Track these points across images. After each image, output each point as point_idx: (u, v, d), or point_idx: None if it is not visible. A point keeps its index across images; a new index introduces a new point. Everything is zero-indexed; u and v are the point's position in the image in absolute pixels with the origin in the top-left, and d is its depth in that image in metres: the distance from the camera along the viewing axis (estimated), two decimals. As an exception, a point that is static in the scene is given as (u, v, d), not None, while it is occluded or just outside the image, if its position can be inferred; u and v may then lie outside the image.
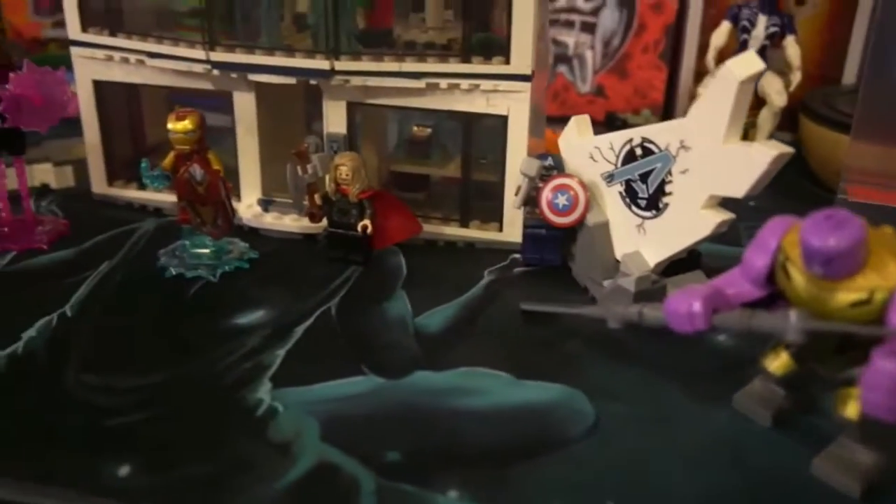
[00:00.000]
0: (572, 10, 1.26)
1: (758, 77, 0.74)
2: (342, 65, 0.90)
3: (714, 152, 0.74)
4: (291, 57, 0.91)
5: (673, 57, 1.33)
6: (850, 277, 0.56)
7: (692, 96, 1.27)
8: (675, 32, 1.32)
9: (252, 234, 0.95)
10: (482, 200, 0.97)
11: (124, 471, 0.61)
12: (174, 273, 0.88)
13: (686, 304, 0.62)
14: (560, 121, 0.93)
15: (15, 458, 0.62)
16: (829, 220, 0.54)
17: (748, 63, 0.72)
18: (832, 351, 0.61)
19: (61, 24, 1.00)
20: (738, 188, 0.72)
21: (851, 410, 0.59)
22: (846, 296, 0.56)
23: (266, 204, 0.97)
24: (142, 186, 1.03)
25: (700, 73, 1.28)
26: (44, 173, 1.05)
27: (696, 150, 0.75)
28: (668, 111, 1.32)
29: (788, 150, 0.71)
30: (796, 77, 1.14)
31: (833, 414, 0.61)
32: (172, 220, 1.00)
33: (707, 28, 1.28)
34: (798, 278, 0.58)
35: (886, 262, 0.56)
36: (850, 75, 1.28)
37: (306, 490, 0.59)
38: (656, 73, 1.32)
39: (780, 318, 0.58)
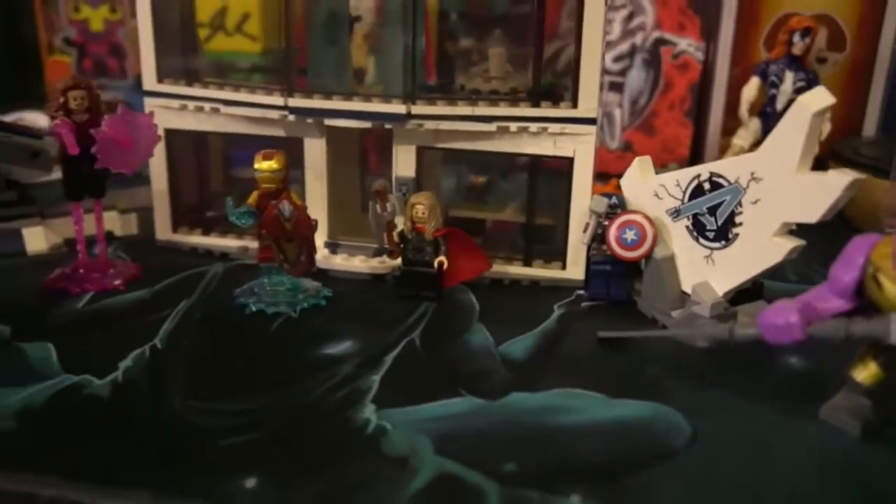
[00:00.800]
0: (602, 70, 1.32)
1: (827, 110, 0.78)
2: (418, 109, 0.95)
3: (788, 181, 0.78)
4: (368, 102, 0.95)
5: (698, 113, 1.38)
6: None
7: (722, 149, 1.34)
8: (700, 90, 1.37)
9: (321, 275, 0.98)
10: (539, 242, 1.01)
11: (251, 483, 0.62)
12: (255, 309, 0.90)
13: (783, 316, 0.67)
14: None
15: (143, 474, 0.64)
16: None
17: (820, 97, 0.77)
18: None
19: (102, 87, 1.04)
20: (813, 214, 0.76)
21: None
22: None
23: (333, 247, 1.01)
24: (206, 232, 1.07)
25: (727, 129, 1.34)
26: (109, 220, 1.08)
27: (768, 180, 0.80)
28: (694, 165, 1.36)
29: (861, 176, 0.75)
30: (826, 127, 1.21)
31: None
32: (239, 263, 1.04)
33: (732, 86, 1.34)
34: (890, 287, 0.62)
35: None
36: (869, 128, 1.35)
37: (432, 499, 0.62)
38: (682, 129, 1.37)
39: (882, 321, 0.62)
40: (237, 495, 0.62)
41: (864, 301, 0.66)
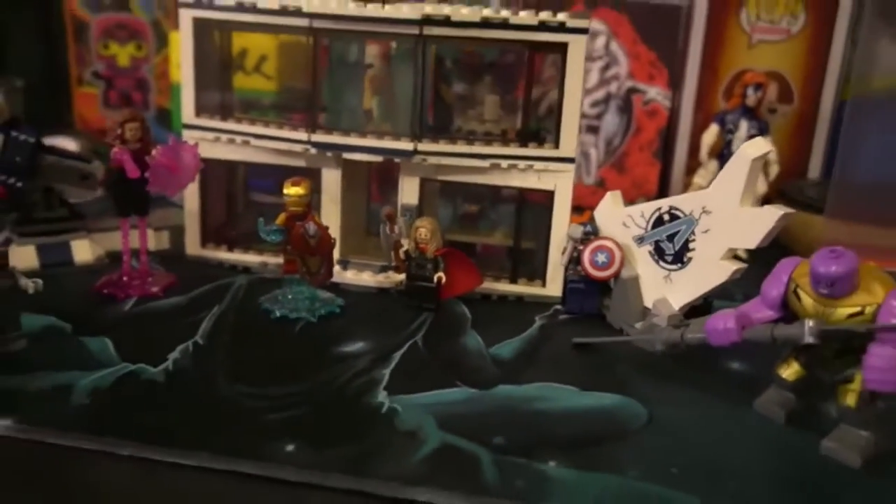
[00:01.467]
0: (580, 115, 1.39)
1: (764, 157, 0.89)
2: (423, 146, 1.03)
3: (732, 214, 0.89)
4: (380, 139, 1.04)
5: (665, 154, 1.44)
6: (847, 296, 0.72)
7: (685, 186, 1.39)
8: (667, 134, 1.43)
9: (334, 288, 1.05)
10: (523, 263, 1.10)
11: (290, 448, 0.72)
12: (279, 315, 0.98)
13: (723, 322, 0.79)
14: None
15: (202, 439, 0.73)
16: (832, 253, 0.72)
17: (758, 146, 0.88)
18: (832, 357, 0.76)
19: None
20: (752, 241, 0.87)
21: (850, 400, 0.74)
22: (844, 310, 0.72)
23: (344, 264, 1.09)
24: (231, 248, 1.15)
25: (690, 168, 1.41)
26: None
27: (716, 213, 0.90)
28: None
29: (791, 210, 0.87)
30: (774, 170, 1.29)
31: (836, 404, 0.76)
32: (263, 277, 1.11)
33: (695, 131, 1.40)
34: (807, 299, 0.74)
35: (873, 285, 0.72)
36: (813, 171, 1.43)
37: (439, 461, 0.71)
38: (650, 168, 1.43)
39: (798, 326, 0.74)
40: (279, 457, 0.71)
41: (788, 312, 0.77)
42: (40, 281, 0.86)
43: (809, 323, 0.74)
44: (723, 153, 1.30)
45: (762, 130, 1.30)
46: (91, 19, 1.64)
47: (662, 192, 1.45)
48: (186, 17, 1.10)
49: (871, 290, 0.72)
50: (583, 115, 1.39)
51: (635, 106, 1.45)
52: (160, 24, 1.64)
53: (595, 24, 1.42)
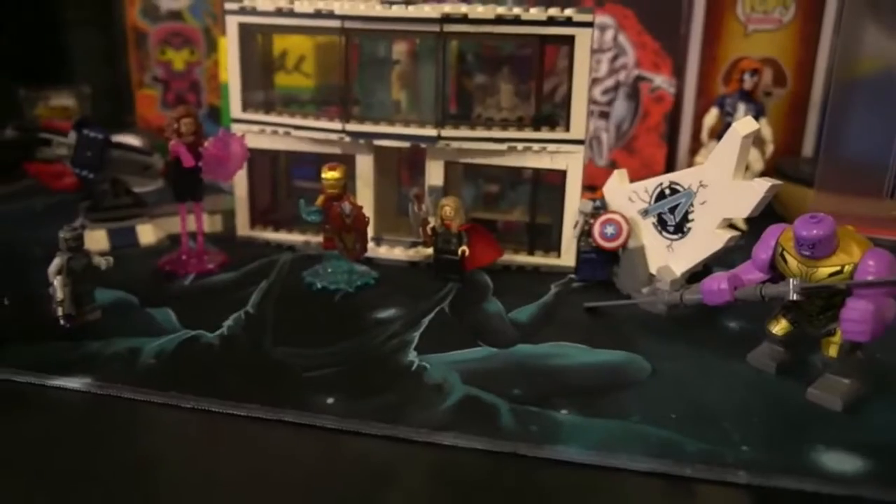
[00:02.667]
0: (592, 101, 1.36)
1: (754, 135, 0.90)
2: (446, 132, 1.05)
3: (726, 186, 0.90)
4: (407, 127, 1.07)
5: (671, 136, 1.44)
6: (827, 257, 0.74)
7: (689, 165, 1.37)
8: (672, 118, 1.43)
9: (368, 262, 1.07)
10: (539, 236, 1.11)
11: (330, 400, 0.75)
12: (320, 286, 1.01)
13: (717, 283, 0.81)
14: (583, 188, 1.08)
15: (249, 393, 0.76)
16: (813, 218, 0.73)
17: (748, 125, 0.89)
18: (817, 313, 0.78)
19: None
20: (745, 210, 0.89)
21: (832, 351, 0.76)
22: (825, 269, 0.74)
23: (378, 240, 1.11)
24: (276, 229, 1.17)
25: (693, 149, 1.41)
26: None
27: (712, 186, 0.91)
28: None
29: (779, 182, 0.88)
30: (769, 149, 1.30)
31: (820, 356, 0.77)
32: (305, 254, 1.14)
33: (698, 114, 1.41)
34: (792, 261, 0.76)
35: (851, 246, 0.73)
36: (807, 149, 1.43)
37: (463, 409, 0.74)
38: (657, 150, 1.44)
39: (784, 284, 0.75)
40: (321, 407, 0.74)
41: (776, 273, 0.79)
42: (111, 258, 0.89)
43: (794, 281, 0.75)
44: (722, 134, 1.29)
45: (759, 113, 1.30)
46: (150, 29, 1.67)
47: (669, 171, 1.41)
48: (232, 22, 1.13)
49: (849, 250, 0.74)
50: (594, 102, 1.44)
51: (643, 93, 1.45)
52: (210, 31, 1.67)
53: (604, 19, 1.43)
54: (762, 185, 0.88)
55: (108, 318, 0.91)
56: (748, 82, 1.31)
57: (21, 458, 0.69)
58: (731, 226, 0.94)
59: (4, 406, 0.77)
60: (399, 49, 1.23)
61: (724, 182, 0.91)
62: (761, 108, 1.32)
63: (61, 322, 0.86)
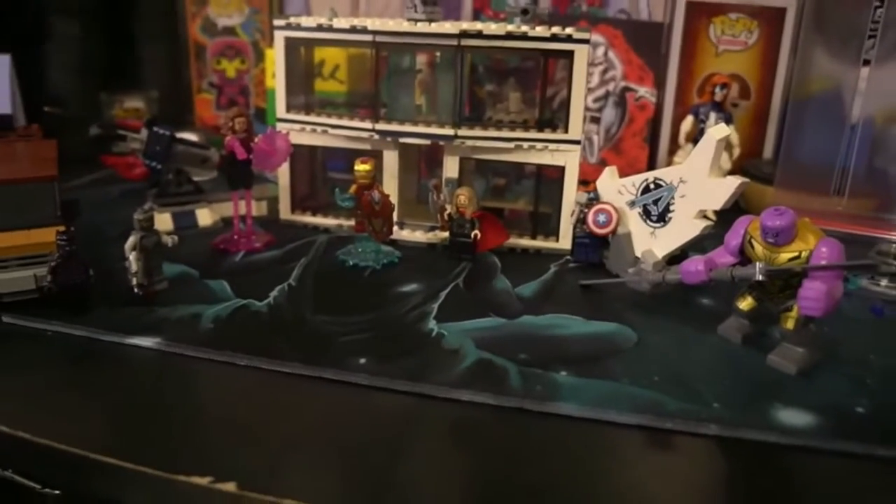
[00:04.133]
0: (585, 108, 1.39)
1: (725, 139, 0.89)
2: (461, 132, 1.05)
3: (703, 182, 0.90)
4: (428, 127, 1.06)
5: (652, 140, 1.43)
6: (788, 244, 0.74)
7: (668, 164, 1.38)
8: (653, 124, 1.43)
9: (392, 243, 1.07)
10: (541, 223, 1.10)
11: (363, 360, 0.75)
12: (351, 263, 1.00)
13: (694, 265, 0.80)
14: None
15: (293, 354, 0.76)
16: (777, 211, 0.73)
17: (721, 130, 0.89)
18: (777, 292, 0.78)
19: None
20: (718, 203, 0.88)
21: (789, 324, 0.76)
22: (786, 255, 0.74)
23: (401, 225, 1.10)
24: (314, 214, 1.16)
25: (671, 150, 1.41)
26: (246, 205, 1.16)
27: (690, 182, 0.91)
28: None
29: (747, 180, 0.88)
30: (736, 152, 1.31)
31: (779, 328, 0.77)
32: (338, 235, 1.13)
33: (675, 121, 1.40)
34: (758, 247, 0.76)
35: (807, 235, 0.74)
36: (767, 151, 1.42)
37: (476, 371, 0.74)
38: (641, 151, 1.43)
39: (751, 267, 0.75)
40: (355, 366, 0.74)
41: (744, 258, 0.79)
42: (176, 237, 0.88)
43: (760, 265, 0.75)
44: (696, 139, 1.29)
45: (727, 120, 1.31)
46: (207, 42, 1.67)
47: (651, 169, 1.39)
48: (280, 37, 1.12)
49: (805, 239, 0.74)
50: (587, 109, 1.39)
51: (628, 101, 1.44)
52: (258, 44, 1.66)
53: (596, 37, 1.42)
54: (734, 182, 0.88)
55: (174, 288, 0.91)
56: (719, 94, 1.31)
57: (104, 402, 0.70)
58: (704, 216, 0.93)
59: (92, 359, 0.78)
60: (419, 60, 1.22)
61: (701, 179, 0.91)
62: (729, 117, 1.32)
63: (135, 291, 0.87)
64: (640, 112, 1.44)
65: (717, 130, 0.90)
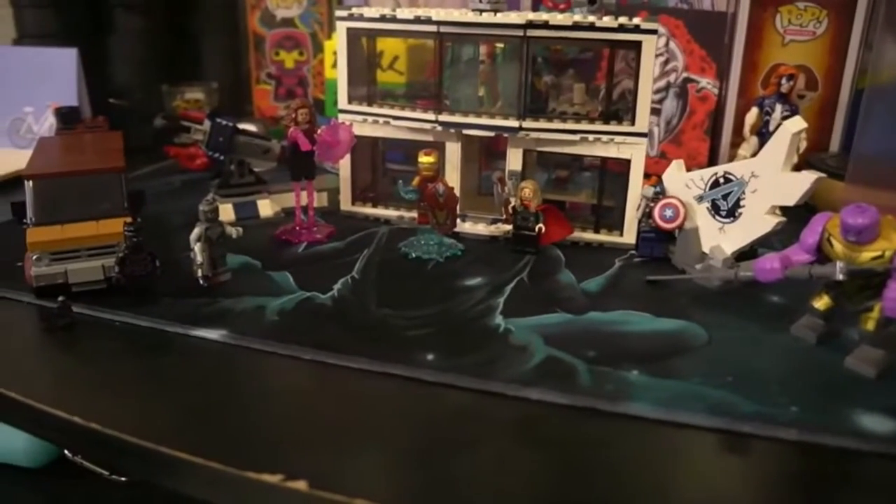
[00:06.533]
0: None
1: (801, 132, 0.87)
2: (526, 124, 1.03)
3: (775, 177, 0.87)
4: (492, 118, 1.04)
5: (713, 132, 1.39)
6: (870, 242, 0.71)
7: (730, 157, 1.35)
8: (715, 115, 1.38)
9: (455, 236, 1.05)
10: (605, 217, 1.08)
11: (430, 356, 0.74)
12: (414, 256, 0.99)
13: (769, 262, 0.77)
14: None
15: (359, 349, 0.75)
16: (859, 208, 0.70)
17: (797, 123, 0.87)
18: (855, 292, 0.75)
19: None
20: (792, 199, 0.86)
21: (870, 325, 0.73)
22: (868, 254, 0.71)
23: (463, 217, 1.08)
24: (374, 205, 1.16)
25: (734, 143, 1.36)
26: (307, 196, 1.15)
27: (763, 177, 0.88)
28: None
29: (823, 175, 0.85)
30: (803, 145, 1.22)
31: (858, 329, 0.74)
32: (399, 227, 1.12)
33: (738, 113, 1.36)
34: (838, 245, 0.73)
35: (891, 234, 0.70)
36: (834, 145, 1.37)
37: (546, 369, 0.72)
38: (702, 143, 1.39)
39: (831, 266, 0.72)
40: (422, 362, 0.73)
41: (821, 255, 0.76)
42: (241, 228, 0.88)
43: (840, 264, 0.72)
44: (761, 131, 1.28)
45: (793, 113, 1.25)
46: (266, 34, 1.67)
47: (712, 162, 1.40)
48: (342, 27, 1.11)
49: (889, 238, 0.71)
50: None
51: (690, 93, 1.40)
52: (316, 35, 1.66)
53: (657, 27, 1.38)
54: (810, 177, 0.85)
55: (237, 279, 0.91)
56: (785, 86, 1.27)
57: (171, 394, 0.70)
58: (775, 212, 0.91)
59: (156, 350, 0.78)
60: (482, 51, 1.20)
61: (775, 173, 0.88)
62: (796, 109, 1.27)
63: (200, 282, 0.86)
64: (701, 104, 1.40)
65: (793, 123, 0.87)
